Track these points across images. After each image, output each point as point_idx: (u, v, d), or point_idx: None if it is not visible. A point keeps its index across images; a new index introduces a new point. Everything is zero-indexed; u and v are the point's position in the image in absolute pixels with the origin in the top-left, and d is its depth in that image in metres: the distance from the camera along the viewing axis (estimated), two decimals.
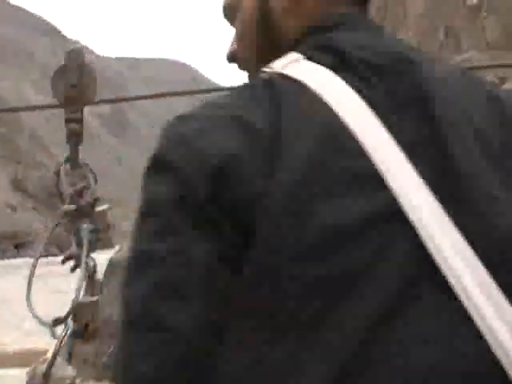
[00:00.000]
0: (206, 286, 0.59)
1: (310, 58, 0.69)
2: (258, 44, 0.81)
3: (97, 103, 2.81)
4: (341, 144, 0.60)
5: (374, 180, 0.59)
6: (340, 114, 0.61)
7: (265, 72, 0.71)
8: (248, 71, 0.85)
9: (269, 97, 0.64)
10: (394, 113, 0.63)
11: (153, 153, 0.64)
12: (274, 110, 0.63)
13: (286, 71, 0.68)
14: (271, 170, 0.59)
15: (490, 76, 7.65)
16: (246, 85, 0.72)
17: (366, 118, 0.62)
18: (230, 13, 0.86)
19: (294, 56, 0.71)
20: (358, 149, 0.60)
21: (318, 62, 0.68)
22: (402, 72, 0.67)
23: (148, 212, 0.62)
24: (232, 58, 0.86)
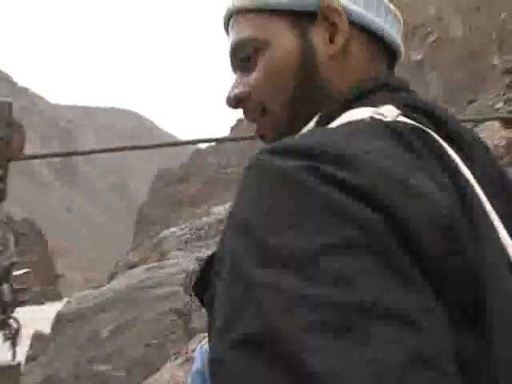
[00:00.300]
0: (452, 352, 0.47)
1: (406, 116, 0.62)
2: (294, 92, 0.74)
3: (22, 159, 2.51)
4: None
5: None
6: (472, 184, 0.58)
7: (364, 119, 0.62)
8: (266, 122, 0.77)
9: (429, 150, 0.57)
10: (486, 185, 0.59)
11: (341, 177, 0.51)
12: (444, 167, 0.57)
13: (407, 122, 0.61)
14: (477, 238, 0.53)
15: None
16: (384, 129, 0.59)
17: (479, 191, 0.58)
18: (248, 48, 0.76)
19: (385, 109, 0.63)
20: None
21: (420, 122, 0.62)
22: (474, 139, 0.66)
23: (363, 245, 0.48)
24: (237, 102, 0.78)
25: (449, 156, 0.59)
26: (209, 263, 0.65)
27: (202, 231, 21.48)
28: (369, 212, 0.50)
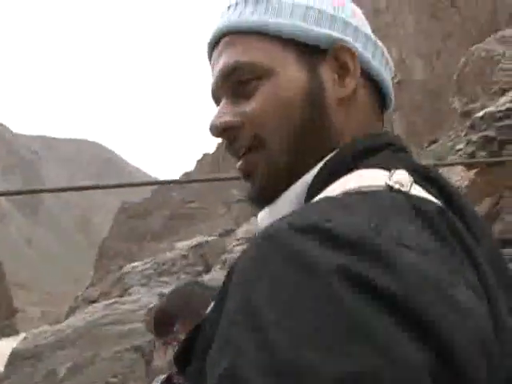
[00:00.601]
0: None
1: (418, 185, 0.61)
2: (297, 129, 0.68)
3: None
4: None
5: None
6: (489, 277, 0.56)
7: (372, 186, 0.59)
8: (258, 158, 0.69)
9: (457, 242, 0.55)
10: (492, 268, 0.58)
11: (390, 294, 0.47)
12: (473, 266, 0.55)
13: (425, 196, 0.59)
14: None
15: None
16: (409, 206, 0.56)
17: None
18: (248, 73, 0.69)
19: (400, 177, 0.60)
20: None
21: (430, 192, 0.61)
22: (473, 210, 0.65)
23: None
24: (223, 131, 0.71)
25: (466, 240, 0.57)
26: (195, 332, 0.61)
27: (165, 266, 21.28)
28: (405, 339, 0.46)
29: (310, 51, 0.71)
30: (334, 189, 0.62)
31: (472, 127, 9.90)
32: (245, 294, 0.49)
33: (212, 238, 22.20)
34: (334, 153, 0.68)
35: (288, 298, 0.47)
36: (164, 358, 1.60)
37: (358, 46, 0.73)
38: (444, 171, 8.33)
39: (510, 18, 22.57)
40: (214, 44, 0.75)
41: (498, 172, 8.72)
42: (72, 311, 25.65)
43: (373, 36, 0.76)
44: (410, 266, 0.49)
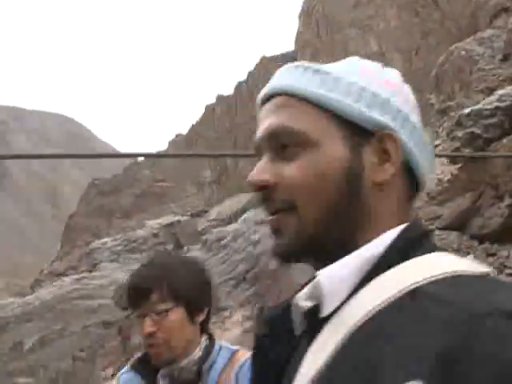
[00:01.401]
0: None
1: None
2: (331, 205, 0.71)
3: None
4: None
5: None
6: None
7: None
8: (289, 221, 0.73)
9: None
10: None
11: None
12: None
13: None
14: None
15: None
16: None
17: None
18: (294, 139, 0.73)
19: (475, 263, 0.67)
20: None
21: None
22: None
23: None
24: (259, 188, 0.74)
25: None
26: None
27: (136, 243, 21.23)
28: None
29: (357, 131, 0.74)
30: (418, 267, 0.68)
31: (458, 124, 10.09)
32: None
33: (184, 218, 22.20)
34: (399, 232, 0.72)
35: None
36: (141, 331, 1.55)
37: (403, 134, 0.75)
38: None
39: (489, 20, 22.92)
40: (266, 99, 0.79)
41: (481, 168, 8.91)
42: (37, 284, 25.39)
43: (418, 125, 0.78)
44: None
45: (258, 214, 12.05)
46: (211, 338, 1.66)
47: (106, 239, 23.59)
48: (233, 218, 18.31)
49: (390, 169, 0.73)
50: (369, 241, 0.72)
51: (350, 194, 0.72)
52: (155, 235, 21.23)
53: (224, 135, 70.97)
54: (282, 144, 0.74)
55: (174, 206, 52.47)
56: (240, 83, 75.79)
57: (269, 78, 0.81)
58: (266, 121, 0.76)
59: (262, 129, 0.77)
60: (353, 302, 0.68)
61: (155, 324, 1.54)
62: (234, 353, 1.63)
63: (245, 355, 1.61)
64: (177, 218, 22.45)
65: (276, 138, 0.74)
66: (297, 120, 0.73)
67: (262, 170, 0.75)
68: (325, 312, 0.70)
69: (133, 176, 68.22)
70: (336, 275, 0.71)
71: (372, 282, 0.68)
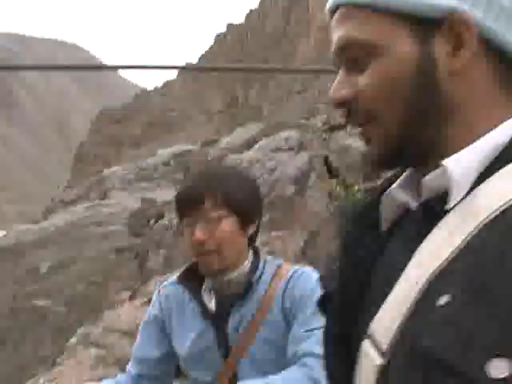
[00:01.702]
0: None
1: None
2: (408, 109, 0.70)
3: None
4: None
5: None
6: None
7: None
8: (375, 131, 0.72)
9: None
10: None
11: None
12: None
13: None
14: None
15: None
16: None
17: None
18: (360, 50, 0.72)
19: None
20: None
21: None
22: None
23: None
24: (339, 104, 0.74)
25: None
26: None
27: (146, 172, 21.23)
28: None
29: (424, 24, 0.70)
30: None
31: None
32: None
33: (194, 147, 22.07)
34: None
35: None
36: (191, 239, 1.51)
37: (478, 12, 0.69)
38: None
39: None
40: (332, 11, 0.77)
41: None
42: (49, 212, 25.68)
43: None
44: None
45: (272, 142, 11.96)
46: (257, 252, 1.59)
47: (116, 168, 23.60)
48: (244, 147, 18.19)
49: (465, 53, 0.69)
50: (463, 135, 0.69)
51: (427, 89, 0.70)
52: (165, 164, 21.21)
53: (234, 64, 69.78)
54: (353, 57, 0.73)
55: (183, 134, 52.24)
56: (251, 11, 74.04)
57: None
58: (335, 35, 0.76)
59: (333, 43, 0.77)
60: (483, 190, 0.64)
61: (207, 232, 1.50)
62: (278, 268, 1.57)
63: (288, 270, 1.55)
64: (187, 147, 22.33)
65: (344, 51, 0.74)
66: (360, 29, 0.72)
67: (338, 86, 0.75)
68: (452, 201, 0.66)
69: (142, 105, 67.73)
70: (465, 160, 0.67)
71: (501, 171, 0.64)
